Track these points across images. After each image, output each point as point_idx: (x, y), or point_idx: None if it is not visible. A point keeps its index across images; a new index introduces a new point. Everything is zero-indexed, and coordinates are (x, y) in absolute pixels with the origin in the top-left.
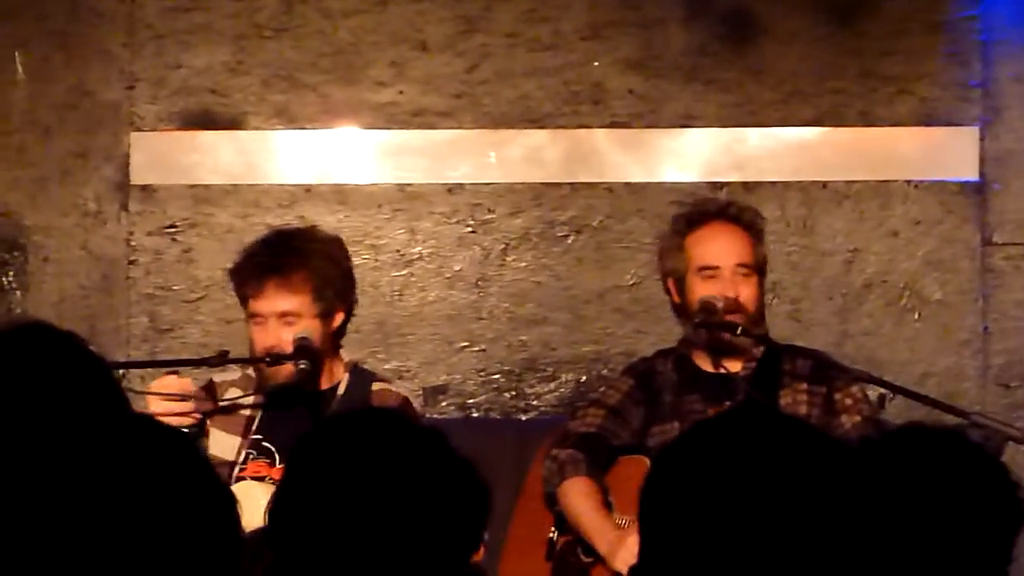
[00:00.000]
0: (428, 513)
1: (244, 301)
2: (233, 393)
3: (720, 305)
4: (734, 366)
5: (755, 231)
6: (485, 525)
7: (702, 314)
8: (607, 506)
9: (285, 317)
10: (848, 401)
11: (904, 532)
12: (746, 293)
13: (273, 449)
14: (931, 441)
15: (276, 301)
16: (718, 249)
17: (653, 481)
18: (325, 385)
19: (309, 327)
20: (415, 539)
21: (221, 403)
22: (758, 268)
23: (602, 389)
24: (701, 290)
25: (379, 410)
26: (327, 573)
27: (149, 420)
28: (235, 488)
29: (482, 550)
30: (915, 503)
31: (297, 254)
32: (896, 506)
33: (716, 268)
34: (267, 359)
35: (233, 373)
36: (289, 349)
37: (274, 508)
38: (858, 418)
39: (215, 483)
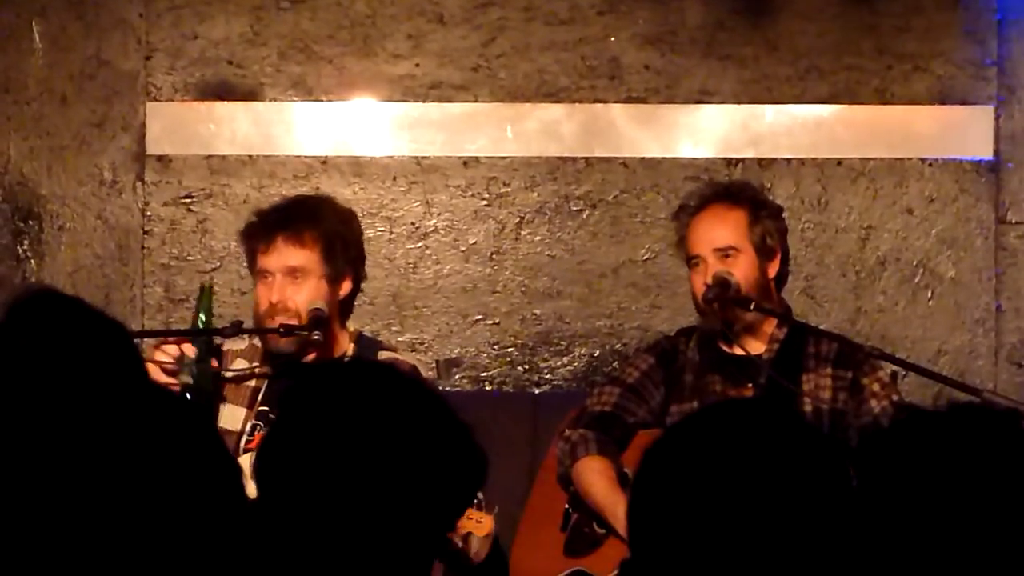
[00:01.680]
0: (416, 466)
1: (253, 258)
2: (240, 364)
3: (734, 280)
4: (756, 347)
5: (753, 207)
6: (476, 490)
7: (716, 289)
8: (623, 481)
9: (293, 273)
10: (876, 387)
11: (956, 514)
12: (735, 274)
13: None
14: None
15: (285, 255)
16: (697, 238)
17: (642, 478)
18: (331, 356)
19: (316, 289)
20: (403, 494)
21: (227, 373)
22: (755, 246)
23: (621, 366)
24: (693, 280)
25: (373, 363)
26: (312, 516)
27: (161, 389)
28: (242, 459)
29: (492, 521)
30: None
31: (309, 213)
32: (945, 486)
33: (698, 257)
34: (280, 330)
35: (240, 343)
36: (294, 308)
37: (261, 451)
38: (887, 403)
39: (223, 453)
